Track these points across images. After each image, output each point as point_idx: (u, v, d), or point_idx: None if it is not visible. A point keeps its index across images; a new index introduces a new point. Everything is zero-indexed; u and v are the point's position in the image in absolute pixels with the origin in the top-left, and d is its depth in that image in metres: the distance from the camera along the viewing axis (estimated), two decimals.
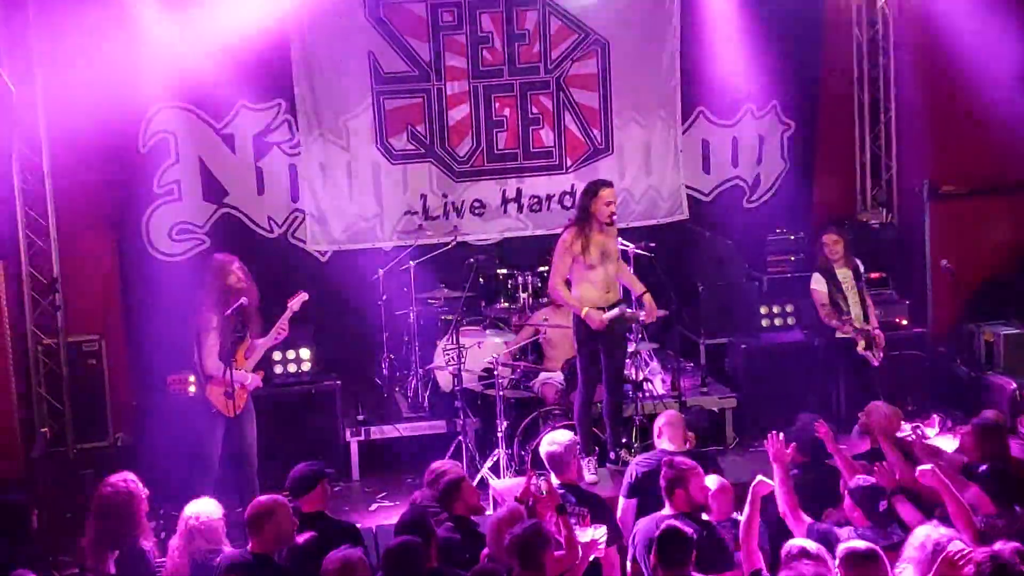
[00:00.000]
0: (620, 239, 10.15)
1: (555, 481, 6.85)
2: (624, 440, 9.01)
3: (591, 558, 6.14)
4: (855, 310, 9.79)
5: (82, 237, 10.73)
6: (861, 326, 9.71)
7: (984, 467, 6.53)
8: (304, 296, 8.59)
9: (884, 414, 7.61)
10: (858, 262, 10.02)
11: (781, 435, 6.81)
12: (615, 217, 8.63)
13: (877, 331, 9.82)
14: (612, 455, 8.77)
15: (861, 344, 9.68)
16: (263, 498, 6.44)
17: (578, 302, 8.46)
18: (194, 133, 10.84)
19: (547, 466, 7.14)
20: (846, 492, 6.57)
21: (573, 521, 6.35)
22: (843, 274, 9.88)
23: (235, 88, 10.79)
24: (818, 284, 9.90)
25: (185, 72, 10.56)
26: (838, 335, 9.78)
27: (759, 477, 6.37)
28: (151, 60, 10.43)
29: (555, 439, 7.19)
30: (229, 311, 8.17)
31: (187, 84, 10.66)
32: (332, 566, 5.68)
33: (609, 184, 8.71)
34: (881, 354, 9.77)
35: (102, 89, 10.49)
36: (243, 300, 8.26)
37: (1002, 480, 6.36)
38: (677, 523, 5.86)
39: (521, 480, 7.35)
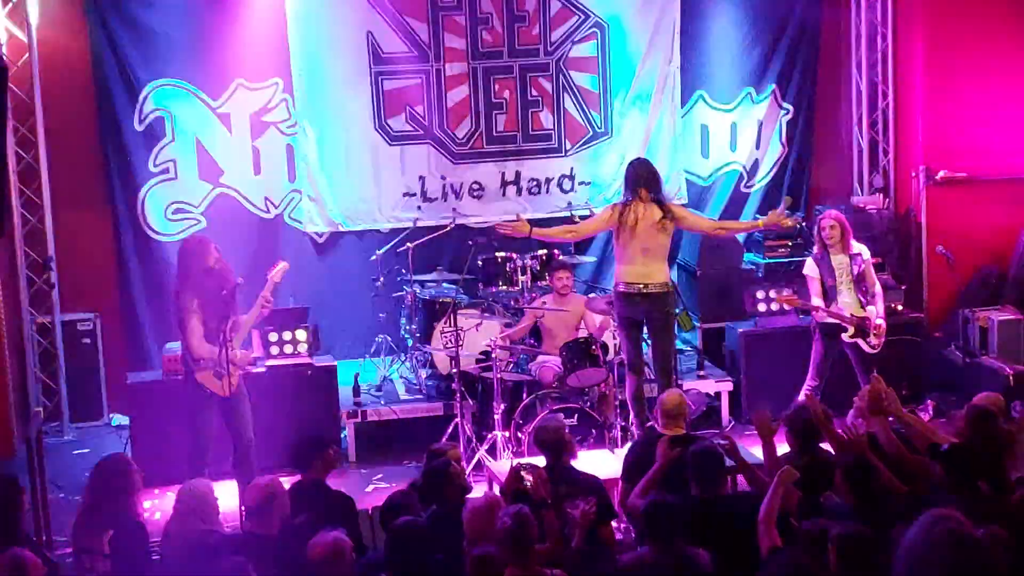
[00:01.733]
0: None
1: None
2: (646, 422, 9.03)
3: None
4: (849, 297, 9.48)
5: (77, 215, 10.71)
6: (853, 313, 9.42)
7: (945, 446, 6.52)
8: (285, 266, 8.44)
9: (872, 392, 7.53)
10: (862, 248, 9.65)
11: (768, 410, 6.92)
12: None
13: (879, 319, 9.53)
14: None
15: (850, 331, 9.45)
16: (264, 480, 6.43)
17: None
18: (190, 112, 10.80)
19: (540, 450, 7.15)
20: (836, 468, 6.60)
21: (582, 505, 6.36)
22: (838, 260, 9.54)
23: (232, 66, 10.75)
24: (810, 270, 9.65)
25: (182, 49, 10.52)
26: (827, 320, 9.46)
27: (786, 465, 6.36)
28: (148, 36, 10.40)
29: (545, 424, 7.19)
30: (225, 291, 8.10)
31: (184, 62, 10.61)
32: (319, 550, 5.68)
33: None
34: (879, 342, 9.53)
35: (98, 65, 10.50)
36: (239, 279, 8.20)
37: (963, 460, 6.36)
38: None
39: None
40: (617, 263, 8.90)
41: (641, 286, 8.76)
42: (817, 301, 9.47)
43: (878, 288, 9.63)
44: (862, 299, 9.47)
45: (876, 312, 9.48)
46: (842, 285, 9.47)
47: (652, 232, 8.76)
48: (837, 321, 9.40)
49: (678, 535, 5.82)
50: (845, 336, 9.42)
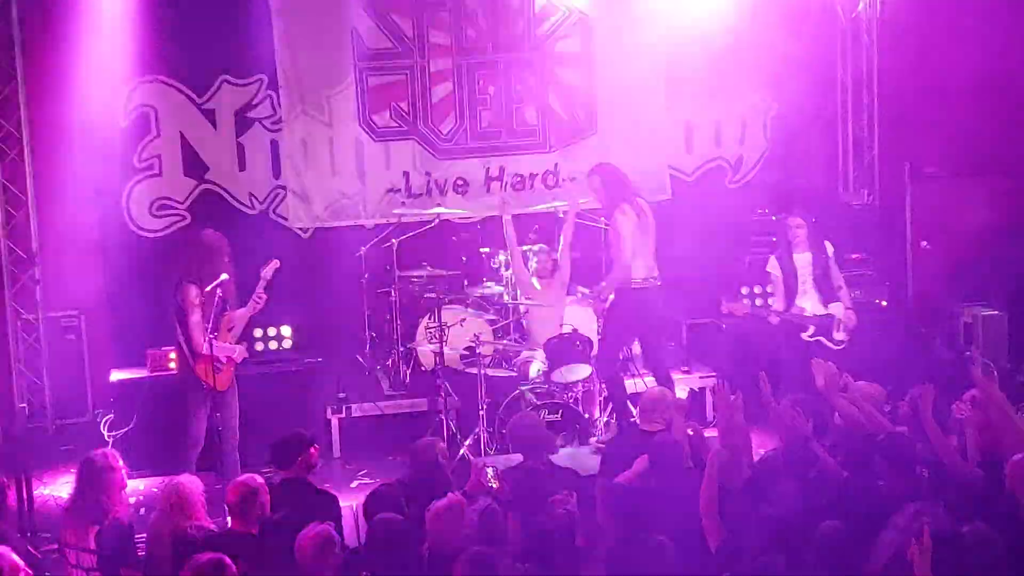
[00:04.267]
0: (603, 219, 10.22)
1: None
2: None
3: None
4: (811, 296, 9.43)
5: (62, 211, 10.67)
6: (813, 312, 9.37)
7: (882, 436, 6.58)
8: (276, 263, 8.50)
9: (829, 372, 7.54)
10: (827, 244, 9.62)
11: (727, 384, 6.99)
12: None
13: (849, 311, 9.50)
14: None
15: (810, 330, 9.39)
16: (244, 479, 6.42)
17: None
18: (175, 108, 10.79)
19: (517, 448, 7.16)
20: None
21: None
22: (801, 259, 9.50)
23: (217, 63, 10.74)
24: (772, 268, 9.70)
25: (167, 45, 10.50)
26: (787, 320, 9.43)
27: (717, 446, 6.38)
28: (133, 32, 10.38)
29: (522, 422, 7.20)
30: (210, 287, 8.10)
31: (169, 58, 10.60)
32: (308, 543, 5.68)
33: None
34: (846, 337, 9.42)
35: (84, 61, 10.47)
36: (224, 276, 8.20)
37: (899, 447, 6.42)
38: None
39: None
40: (630, 261, 9.02)
41: (654, 279, 9.12)
42: (778, 300, 9.55)
43: (841, 282, 9.66)
44: (823, 296, 9.45)
45: (842, 306, 9.49)
46: (804, 284, 9.49)
47: (653, 229, 9.16)
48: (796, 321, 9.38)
49: (644, 524, 5.84)
50: (804, 335, 9.38)
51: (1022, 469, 5.87)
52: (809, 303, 9.49)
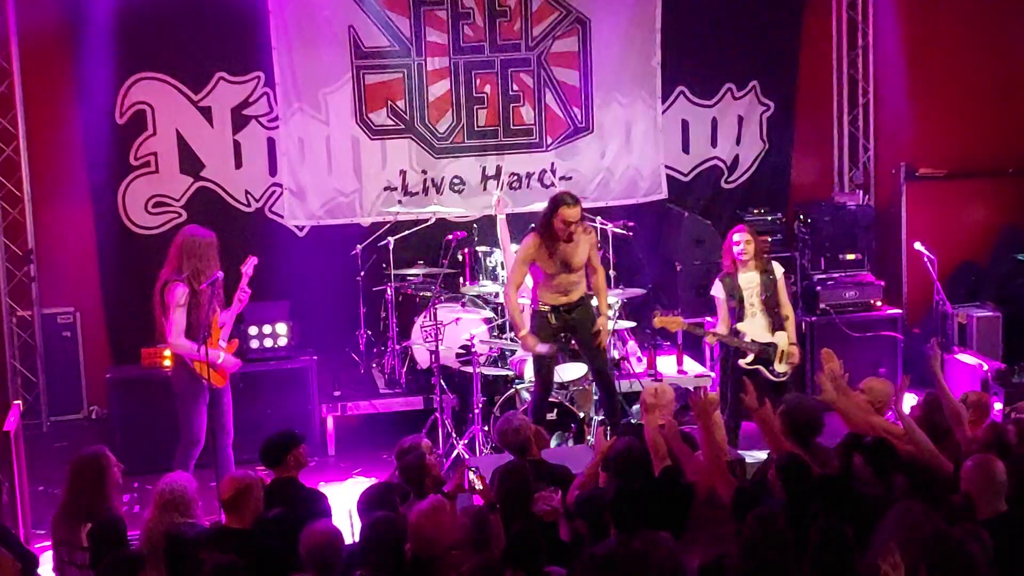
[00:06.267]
0: (599, 218, 10.23)
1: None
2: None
3: None
4: (758, 320, 8.82)
5: (58, 208, 10.68)
6: (754, 339, 8.79)
7: (868, 439, 6.57)
8: (254, 260, 8.44)
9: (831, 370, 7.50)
10: (775, 265, 9.01)
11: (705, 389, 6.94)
12: (573, 236, 8.45)
13: (793, 345, 8.86)
14: None
15: (748, 358, 8.78)
16: (238, 474, 6.42)
17: (520, 318, 8.70)
18: (172, 105, 10.78)
19: (506, 450, 7.18)
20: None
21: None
22: (746, 278, 8.85)
23: (214, 60, 10.75)
24: (716, 291, 9.02)
25: (163, 42, 10.50)
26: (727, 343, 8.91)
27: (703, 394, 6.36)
28: (129, 28, 10.38)
29: (510, 421, 7.22)
30: (205, 284, 8.06)
31: (165, 55, 10.60)
32: (314, 539, 5.68)
33: (571, 202, 8.48)
34: (788, 370, 8.86)
35: (82, 58, 10.48)
36: (219, 274, 8.16)
37: (883, 452, 6.42)
38: None
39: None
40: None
41: None
42: (721, 324, 9.04)
43: (789, 311, 8.96)
44: (772, 323, 8.88)
45: (787, 338, 8.89)
46: (753, 307, 8.89)
47: None
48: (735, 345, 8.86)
49: (643, 521, 5.82)
50: (742, 362, 8.84)
51: (975, 473, 5.87)
52: (755, 328, 8.87)
